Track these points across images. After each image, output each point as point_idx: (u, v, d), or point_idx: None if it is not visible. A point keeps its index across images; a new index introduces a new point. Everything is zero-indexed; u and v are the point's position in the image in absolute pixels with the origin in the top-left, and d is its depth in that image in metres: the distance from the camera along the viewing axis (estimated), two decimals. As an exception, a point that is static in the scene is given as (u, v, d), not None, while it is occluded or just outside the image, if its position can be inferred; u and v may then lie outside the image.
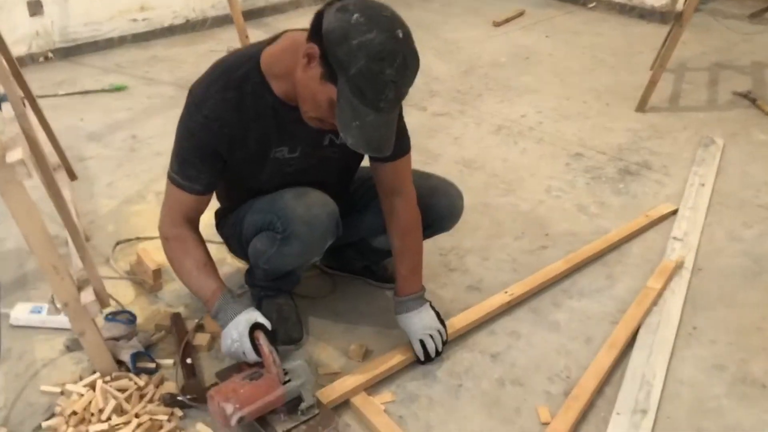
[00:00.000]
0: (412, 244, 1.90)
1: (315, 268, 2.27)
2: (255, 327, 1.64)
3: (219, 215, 2.01)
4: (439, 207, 1.94)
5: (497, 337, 2.04)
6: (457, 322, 2.02)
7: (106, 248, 2.34)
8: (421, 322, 1.88)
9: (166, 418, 1.70)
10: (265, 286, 1.99)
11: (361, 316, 2.09)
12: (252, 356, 1.63)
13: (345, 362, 1.92)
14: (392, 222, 1.88)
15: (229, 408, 1.54)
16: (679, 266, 2.32)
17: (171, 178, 1.72)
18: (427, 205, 1.91)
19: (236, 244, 1.94)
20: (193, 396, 1.74)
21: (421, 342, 1.87)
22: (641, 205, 2.72)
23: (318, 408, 1.65)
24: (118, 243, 2.35)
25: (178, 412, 1.72)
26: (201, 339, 1.94)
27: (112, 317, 1.92)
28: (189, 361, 1.85)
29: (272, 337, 1.66)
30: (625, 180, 2.91)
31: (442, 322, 1.92)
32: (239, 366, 1.73)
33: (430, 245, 2.40)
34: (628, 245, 2.47)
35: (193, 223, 1.77)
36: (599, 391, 1.84)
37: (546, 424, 1.75)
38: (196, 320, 2.01)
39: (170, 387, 1.78)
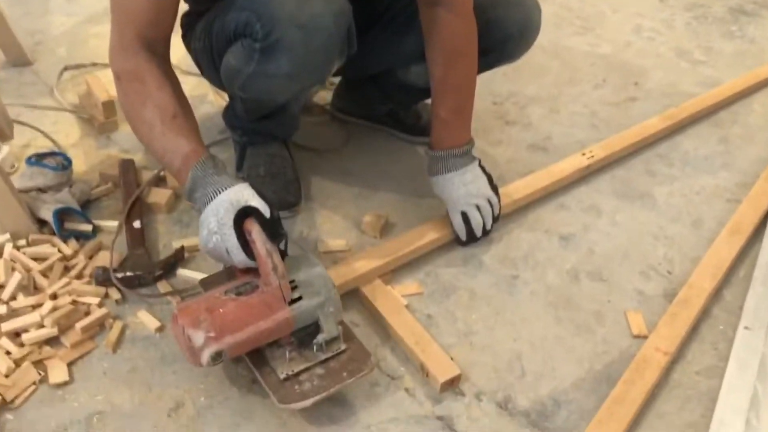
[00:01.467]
0: (460, 73, 1.30)
1: (322, 113, 1.70)
2: (245, 213, 1.03)
3: (186, 22, 1.41)
4: (506, 21, 1.32)
5: (570, 214, 1.47)
6: (514, 191, 1.45)
7: (51, 75, 1.78)
8: (465, 187, 1.31)
9: (95, 301, 1.19)
10: (251, 129, 1.42)
11: (382, 178, 1.53)
12: (239, 257, 1.02)
13: (356, 237, 1.38)
14: (434, 39, 1.27)
15: (198, 337, 0.98)
16: (820, 130, 1.69)
17: None
18: (488, 20, 1.29)
19: (207, 63, 1.34)
20: (135, 273, 1.23)
21: (464, 214, 1.32)
22: (761, 52, 2.05)
23: (345, 342, 1.08)
24: (65, 68, 1.79)
25: (114, 294, 1.22)
26: (159, 196, 1.41)
27: (36, 160, 1.39)
28: (137, 224, 1.33)
29: (274, 228, 1.03)
30: (738, 21, 2.22)
31: (494, 188, 1.35)
32: (231, 272, 1.14)
33: (479, 89, 1.80)
34: (748, 101, 1.84)
35: (157, 49, 1.14)
36: (716, 294, 1.28)
37: (641, 337, 1.20)
38: (156, 171, 1.47)
39: (107, 258, 1.27)
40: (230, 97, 1.40)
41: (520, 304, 1.26)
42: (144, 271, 1.23)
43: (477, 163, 1.34)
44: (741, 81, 1.87)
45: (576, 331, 1.22)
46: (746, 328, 1.21)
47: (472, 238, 1.35)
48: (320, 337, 1.05)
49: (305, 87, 1.27)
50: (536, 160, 1.60)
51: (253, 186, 1.06)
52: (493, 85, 1.82)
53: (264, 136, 1.43)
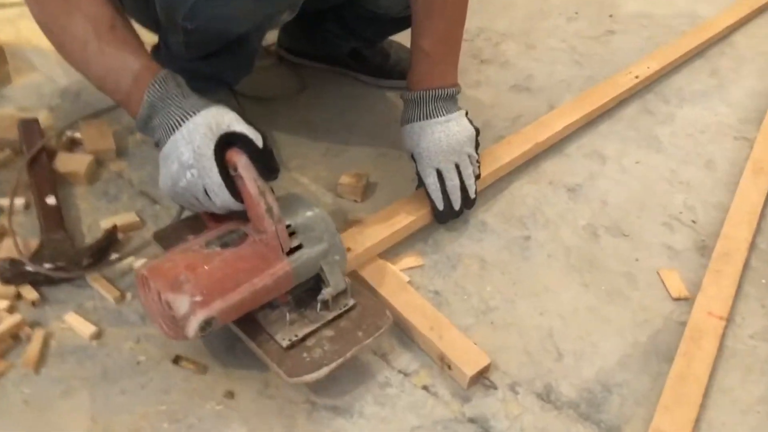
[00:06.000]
0: None
1: (267, 55, 1.42)
2: (227, 142, 0.81)
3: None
4: None
5: (572, 161, 1.27)
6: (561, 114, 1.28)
7: None
8: (446, 140, 1.04)
9: (2, 305, 0.90)
10: (189, 71, 1.12)
11: (350, 130, 1.28)
12: (222, 197, 0.80)
13: (333, 203, 1.14)
14: None
15: (182, 303, 0.76)
16: (811, 60, 1.57)
17: None
18: None
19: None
20: (56, 264, 0.94)
21: (439, 173, 1.05)
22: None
23: (354, 297, 0.89)
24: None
25: (30, 294, 0.92)
26: (75, 164, 1.10)
27: None
28: (52, 200, 1.02)
29: (266, 160, 0.82)
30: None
31: (477, 144, 1.11)
32: (197, 222, 0.92)
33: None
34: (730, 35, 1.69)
35: None
36: (751, 244, 1.13)
37: (682, 299, 1.03)
38: (67, 132, 1.16)
39: (13, 247, 0.96)
40: (164, 31, 1.10)
41: (539, 270, 1.06)
42: (68, 261, 0.94)
43: (464, 113, 1.10)
44: (728, 15, 1.71)
45: (608, 297, 1.03)
46: (793, 280, 1.06)
47: (448, 209, 1.07)
48: (325, 292, 0.85)
49: (273, 12, 0.99)
50: (523, 103, 1.39)
51: (234, 109, 0.84)
52: (459, 19, 1.58)
53: (206, 80, 1.13)
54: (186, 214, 0.94)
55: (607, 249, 1.11)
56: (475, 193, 1.08)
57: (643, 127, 1.37)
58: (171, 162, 0.82)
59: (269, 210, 0.80)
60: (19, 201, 1.04)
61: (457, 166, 1.05)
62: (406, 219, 1.06)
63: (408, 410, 0.86)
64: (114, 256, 0.98)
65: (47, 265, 0.92)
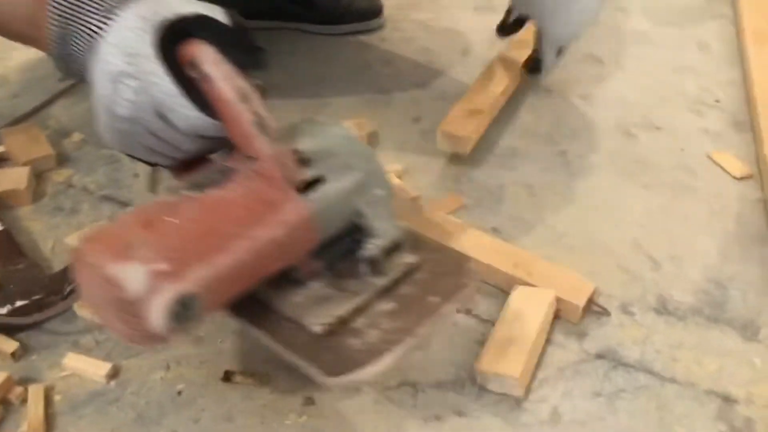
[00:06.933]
0: None
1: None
2: (175, 34, 0.53)
3: None
4: None
5: (569, 69, 1.14)
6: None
7: None
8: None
9: (-25, 366, 0.67)
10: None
11: (322, 84, 1.11)
12: (187, 115, 0.53)
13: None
14: None
15: (134, 275, 0.46)
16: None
17: None
18: None
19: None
20: (32, 299, 0.71)
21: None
22: None
23: (420, 249, 0.62)
24: None
25: (6, 345, 0.69)
26: (12, 180, 0.87)
27: None
28: (-4, 226, 0.79)
29: (242, 43, 0.55)
30: None
31: None
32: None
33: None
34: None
35: None
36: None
37: (746, 178, 0.93)
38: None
39: (-35, 293, 0.73)
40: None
41: (591, 183, 0.93)
42: (45, 292, 0.72)
43: None
44: None
45: (674, 193, 0.92)
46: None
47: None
48: (372, 245, 0.57)
49: None
50: (494, 23, 1.25)
51: None
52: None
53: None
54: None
55: (648, 145, 1.00)
56: None
57: (615, 23, 1.27)
58: (101, 83, 0.54)
59: (259, 121, 0.52)
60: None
61: None
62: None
63: (524, 364, 0.71)
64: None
65: (19, 303, 0.70)
